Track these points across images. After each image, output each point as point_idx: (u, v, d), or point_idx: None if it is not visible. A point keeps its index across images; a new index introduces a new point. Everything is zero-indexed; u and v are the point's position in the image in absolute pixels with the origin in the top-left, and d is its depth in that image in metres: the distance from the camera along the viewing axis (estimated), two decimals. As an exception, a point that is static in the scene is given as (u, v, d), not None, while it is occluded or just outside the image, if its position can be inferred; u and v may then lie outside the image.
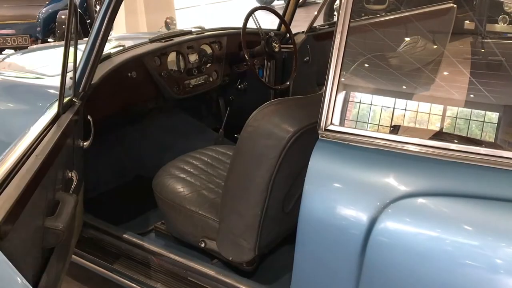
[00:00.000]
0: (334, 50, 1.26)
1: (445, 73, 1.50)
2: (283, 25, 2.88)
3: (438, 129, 1.20)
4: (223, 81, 2.70)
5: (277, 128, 1.42)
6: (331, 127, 1.26)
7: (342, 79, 1.25)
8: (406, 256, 1.06)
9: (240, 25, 2.49)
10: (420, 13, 1.99)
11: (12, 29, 6.26)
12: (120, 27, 5.83)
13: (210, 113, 3.04)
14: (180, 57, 2.45)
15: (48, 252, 1.42)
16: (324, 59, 3.12)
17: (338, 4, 3.22)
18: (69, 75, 1.72)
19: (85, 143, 1.85)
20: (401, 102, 1.24)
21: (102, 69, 1.99)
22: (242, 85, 3.00)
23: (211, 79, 2.60)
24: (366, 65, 1.38)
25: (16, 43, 6.46)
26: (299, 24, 3.33)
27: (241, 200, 1.56)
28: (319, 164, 1.22)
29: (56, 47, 3.00)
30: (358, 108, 1.25)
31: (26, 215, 1.14)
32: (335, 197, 1.19)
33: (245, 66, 2.73)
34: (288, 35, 2.86)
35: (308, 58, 2.99)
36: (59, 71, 1.56)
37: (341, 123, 1.25)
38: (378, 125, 1.22)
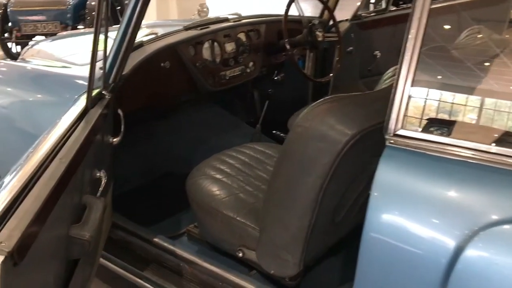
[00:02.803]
0: (409, 38, 1.05)
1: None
2: (326, 11, 2.66)
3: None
4: (260, 72, 2.51)
5: (332, 130, 1.23)
6: (401, 132, 1.06)
7: (418, 74, 1.05)
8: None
9: (277, 12, 2.30)
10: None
11: (42, 16, 6.22)
12: (150, 13, 5.70)
13: (244, 107, 2.86)
14: (216, 46, 2.28)
15: (73, 263, 1.28)
16: (369, 51, 2.93)
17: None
18: (99, 65, 1.57)
19: (114, 140, 1.70)
20: (491, 103, 1.03)
21: (134, 59, 1.83)
22: (279, 77, 2.81)
23: (248, 70, 2.42)
24: (446, 57, 1.17)
25: (46, 30, 6.43)
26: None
27: (287, 209, 1.38)
28: (389, 177, 1.03)
29: (86, 34, 2.88)
30: (437, 109, 1.05)
31: (48, 225, 1.00)
32: (409, 217, 1.00)
33: (284, 57, 2.54)
34: (331, 23, 2.65)
35: (351, 48, 2.77)
36: (88, 60, 1.42)
37: (415, 128, 1.05)
38: (463, 131, 1.01)
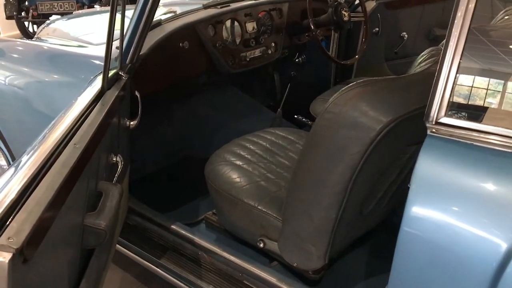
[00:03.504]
0: (457, 16, 0.94)
1: None
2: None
3: None
4: (281, 54, 2.41)
5: (364, 117, 1.14)
6: (444, 120, 0.96)
7: (464, 57, 0.95)
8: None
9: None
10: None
11: (59, -6, 6.15)
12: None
13: (264, 89, 2.77)
14: (236, 26, 2.17)
15: (88, 251, 1.23)
16: (396, 32, 2.80)
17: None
18: (115, 44, 1.50)
19: (131, 123, 1.63)
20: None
21: (152, 38, 1.75)
22: (300, 59, 2.70)
23: (269, 52, 2.32)
24: (493, 40, 1.06)
25: (62, 9, 6.38)
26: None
27: (313, 200, 1.30)
28: (430, 169, 0.94)
29: (102, 13, 2.81)
30: (485, 96, 0.95)
31: (62, 215, 0.93)
32: (453, 214, 0.91)
33: (307, 38, 2.43)
34: (357, 2, 2.52)
35: (378, 29, 2.65)
36: (104, 39, 1.34)
37: (460, 115, 0.95)
38: (516, 121, 0.91)
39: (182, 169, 2.26)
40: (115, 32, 1.36)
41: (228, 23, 2.14)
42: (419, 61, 1.46)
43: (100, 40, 1.96)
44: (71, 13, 6.26)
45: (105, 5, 5.84)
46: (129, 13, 1.57)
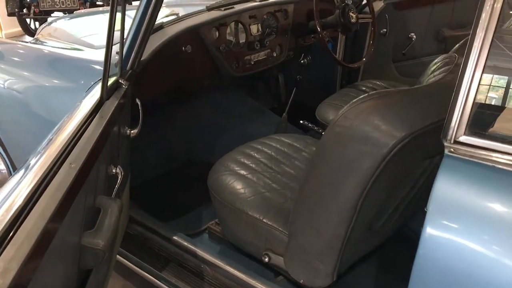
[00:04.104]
0: (481, 21, 0.87)
1: None
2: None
3: None
4: (287, 56, 2.34)
5: (377, 132, 1.08)
6: (464, 139, 0.90)
7: (487, 69, 0.88)
8: None
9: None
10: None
11: (61, -9, 6.10)
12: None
13: (269, 92, 2.71)
14: (241, 28, 2.11)
15: (86, 272, 1.17)
16: (404, 33, 2.72)
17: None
18: (115, 49, 1.44)
19: (132, 131, 1.57)
20: None
21: (153, 42, 1.69)
22: (305, 60, 2.64)
23: (274, 55, 2.26)
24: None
25: (64, 5, 6.33)
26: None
27: (321, 216, 1.24)
28: (449, 192, 0.88)
29: (106, 13, 2.75)
30: (509, 114, 0.88)
31: (57, 240, 0.88)
32: (472, 240, 0.85)
33: (313, 39, 2.36)
34: (364, 3, 2.45)
35: (385, 30, 2.58)
36: (104, 42, 1.28)
37: (481, 134, 0.89)
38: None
39: (185, 175, 2.21)
40: (115, 35, 1.31)
41: (232, 25, 2.07)
42: (432, 69, 1.39)
43: (101, 43, 1.90)
44: (74, 9, 6.20)
45: (108, 2, 5.78)
46: (131, 13, 1.52)
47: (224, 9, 2.04)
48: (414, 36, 2.69)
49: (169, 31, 1.81)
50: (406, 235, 1.63)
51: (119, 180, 1.40)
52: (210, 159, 1.73)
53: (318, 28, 2.08)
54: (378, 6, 2.51)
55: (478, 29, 0.87)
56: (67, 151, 0.98)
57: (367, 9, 2.40)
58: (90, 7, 6.10)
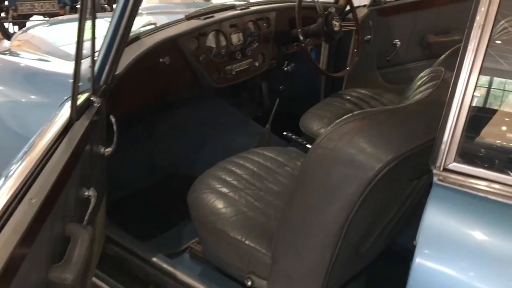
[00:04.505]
0: (472, 34, 0.81)
1: None
2: (342, -4, 2.42)
3: None
4: (270, 65, 2.28)
5: (362, 154, 1.02)
6: (454, 166, 0.85)
7: (480, 85, 0.83)
8: None
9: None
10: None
11: (40, -6, 5.97)
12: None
13: (252, 100, 2.64)
14: (221, 37, 2.04)
15: None
16: (388, 39, 2.68)
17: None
18: (88, 62, 1.36)
19: (107, 150, 1.49)
20: None
21: (129, 55, 1.61)
22: (289, 67, 2.58)
23: (256, 64, 2.19)
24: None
25: (44, 9, 6.20)
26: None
27: (305, 240, 1.18)
28: (439, 223, 0.83)
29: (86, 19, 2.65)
30: (502, 140, 0.83)
31: (23, 271, 0.81)
32: (462, 274, 0.80)
33: (296, 47, 2.31)
34: (347, 9, 2.40)
35: (369, 37, 2.53)
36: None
37: (473, 162, 0.84)
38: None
39: (166, 189, 2.13)
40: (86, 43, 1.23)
41: (212, 35, 2.00)
42: (418, 83, 1.34)
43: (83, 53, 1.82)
44: (53, 13, 6.05)
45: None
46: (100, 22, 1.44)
47: (204, 18, 1.97)
48: (399, 43, 2.65)
49: (146, 42, 1.74)
50: (394, 251, 1.58)
51: (91, 203, 1.32)
52: (192, 172, 1.67)
53: (301, 37, 2.02)
54: (361, 12, 2.47)
55: (470, 39, 0.82)
56: (28, 184, 0.91)
57: (351, 15, 2.36)
58: (70, 11, 5.97)
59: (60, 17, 4.99)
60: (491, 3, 0.80)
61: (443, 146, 0.85)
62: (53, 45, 2.24)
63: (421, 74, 1.40)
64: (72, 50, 2.00)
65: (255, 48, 2.19)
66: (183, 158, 2.22)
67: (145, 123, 2.18)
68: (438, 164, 0.86)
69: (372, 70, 2.68)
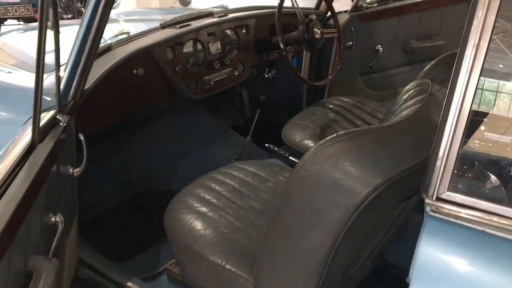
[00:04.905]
0: (467, 47, 0.74)
1: None
2: (323, 2, 2.35)
3: None
4: (250, 73, 2.21)
5: (348, 179, 0.95)
6: (448, 196, 0.78)
7: (476, 105, 0.76)
8: None
9: (266, 3, 1.99)
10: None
11: (15, -2, 5.79)
12: (129, 1, 5.30)
13: (232, 109, 2.56)
14: (199, 46, 1.96)
15: None
16: (370, 45, 2.63)
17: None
18: (52, 77, 1.27)
19: (76, 170, 1.40)
20: None
21: (99, 67, 1.52)
22: (269, 74, 2.51)
23: (236, 73, 2.11)
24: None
25: (18, 13, 6.00)
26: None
27: (288, 268, 1.11)
28: (433, 257, 0.76)
29: (63, 26, 2.54)
30: (499, 168, 0.77)
31: None
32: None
33: (277, 55, 2.24)
34: (329, 15, 2.34)
35: (351, 43, 2.48)
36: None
37: (468, 191, 0.77)
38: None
39: (142, 205, 2.04)
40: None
41: (189, 44, 1.92)
42: (404, 97, 1.28)
43: (51, 64, 1.72)
44: (27, 17, 5.87)
45: (63, 11, 5.48)
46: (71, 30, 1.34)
47: (180, 27, 1.88)
48: (381, 48, 2.60)
49: (118, 53, 1.64)
50: (383, 267, 1.52)
51: (59, 229, 1.22)
52: (171, 186, 1.58)
53: (281, 45, 1.95)
54: (343, 18, 2.41)
55: (466, 53, 0.75)
56: None
57: (332, 21, 2.30)
58: (45, 15, 5.79)
59: (36, 23, 4.83)
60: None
61: (435, 174, 0.79)
62: (24, 54, 2.12)
63: (407, 87, 1.34)
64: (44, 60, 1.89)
65: (234, 56, 2.11)
66: (161, 172, 2.13)
67: (120, 137, 2.09)
68: (430, 193, 0.80)
69: (355, 76, 2.63)
